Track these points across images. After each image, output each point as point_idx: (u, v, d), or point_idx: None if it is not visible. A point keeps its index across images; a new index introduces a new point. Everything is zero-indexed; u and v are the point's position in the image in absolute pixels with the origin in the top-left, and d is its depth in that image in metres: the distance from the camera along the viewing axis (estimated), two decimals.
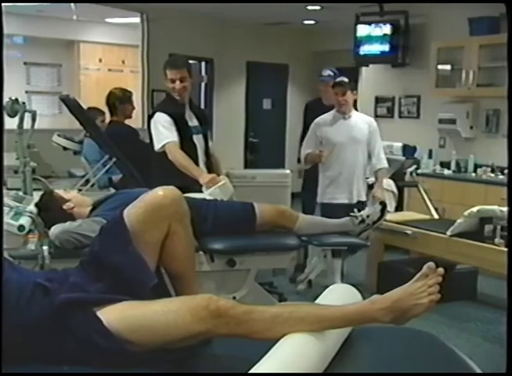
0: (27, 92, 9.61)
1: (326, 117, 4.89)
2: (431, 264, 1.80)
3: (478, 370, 1.92)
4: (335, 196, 4.75)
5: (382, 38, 7.15)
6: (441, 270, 1.80)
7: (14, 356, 1.68)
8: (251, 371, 1.57)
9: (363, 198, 4.81)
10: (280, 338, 1.73)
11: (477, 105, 6.54)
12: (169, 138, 3.83)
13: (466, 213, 4.25)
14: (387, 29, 7.11)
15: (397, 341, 2.04)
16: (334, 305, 1.96)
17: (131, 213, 2.00)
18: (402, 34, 7.09)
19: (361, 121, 4.87)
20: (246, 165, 9.34)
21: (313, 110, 5.55)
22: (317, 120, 4.90)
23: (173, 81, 3.94)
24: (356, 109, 5.16)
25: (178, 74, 3.96)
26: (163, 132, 3.86)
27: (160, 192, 2.06)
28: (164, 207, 2.03)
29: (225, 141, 9.09)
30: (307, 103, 5.71)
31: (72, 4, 7.80)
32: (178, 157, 3.77)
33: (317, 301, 2.09)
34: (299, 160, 5.34)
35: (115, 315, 1.73)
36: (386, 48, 7.16)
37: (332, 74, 5.42)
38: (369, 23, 7.24)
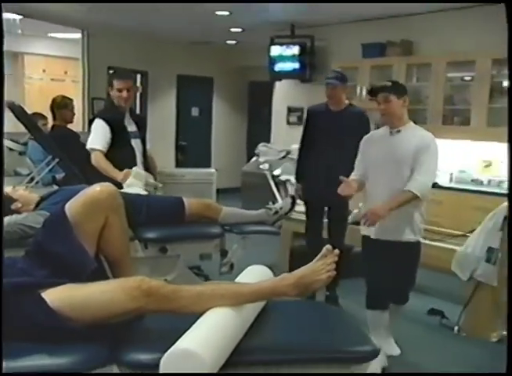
0: None
1: (375, 133, 3.49)
2: (329, 246, 1.88)
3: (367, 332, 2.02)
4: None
5: (292, 58, 7.25)
6: (336, 251, 1.88)
7: None
8: (180, 341, 1.59)
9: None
10: (204, 312, 1.75)
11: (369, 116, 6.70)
12: (96, 145, 3.75)
13: (360, 205, 4.38)
14: (296, 50, 7.21)
15: (302, 310, 2.13)
16: (250, 282, 2.01)
17: (72, 206, 1.98)
18: (308, 55, 7.19)
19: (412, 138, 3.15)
20: (178, 165, 9.25)
21: (318, 116, 4.32)
22: (367, 136, 3.47)
23: (120, 91, 3.86)
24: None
25: (125, 85, 3.88)
26: (93, 138, 3.79)
27: (97, 188, 2.05)
28: (100, 200, 2.02)
29: (158, 144, 8.99)
30: (309, 108, 4.46)
31: (17, 19, 7.54)
32: (100, 163, 3.70)
33: (236, 279, 2.13)
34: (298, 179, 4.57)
35: (57, 295, 1.73)
36: (296, 66, 7.25)
37: (340, 75, 4.23)
38: (281, 45, 7.31)
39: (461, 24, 5.88)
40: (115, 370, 1.72)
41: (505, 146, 5.30)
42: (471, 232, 3.70)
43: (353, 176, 3.40)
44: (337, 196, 3.33)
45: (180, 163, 9.33)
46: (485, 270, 3.65)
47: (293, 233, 5.27)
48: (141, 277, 1.79)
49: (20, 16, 7.40)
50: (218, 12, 6.64)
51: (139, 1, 4.65)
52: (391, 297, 3.27)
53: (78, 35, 8.15)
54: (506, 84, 5.48)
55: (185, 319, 1.72)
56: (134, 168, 3.67)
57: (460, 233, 3.98)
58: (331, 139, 4.11)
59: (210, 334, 1.65)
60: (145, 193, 3.45)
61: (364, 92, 6.28)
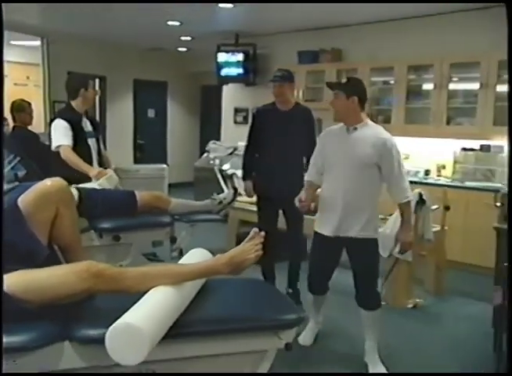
0: None
1: (334, 128, 3.09)
2: (256, 229, 1.94)
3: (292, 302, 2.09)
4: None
5: (237, 64, 7.25)
6: (262, 233, 1.94)
7: None
8: (123, 317, 1.61)
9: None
10: (148, 291, 1.78)
11: None
12: (63, 141, 3.68)
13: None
14: (240, 56, 7.21)
15: (238, 286, 2.17)
16: (191, 263, 2.05)
17: (25, 199, 1.97)
18: (251, 61, 7.20)
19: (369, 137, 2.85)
20: (136, 162, 9.13)
21: (266, 115, 3.85)
22: (324, 131, 3.18)
23: (93, 94, 3.90)
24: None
25: (91, 87, 3.90)
26: (58, 136, 3.71)
27: (48, 182, 2.04)
28: (51, 193, 2.01)
29: (117, 143, 8.92)
30: (257, 108, 3.97)
31: None
32: (70, 157, 3.63)
33: (180, 261, 2.17)
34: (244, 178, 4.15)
35: (12, 280, 1.70)
36: (240, 71, 7.25)
37: (286, 74, 3.76)
38: (227, 52, 7.30)
39: (382, 35, 6.04)
40: (67, 345, 1.72)
41: (422, 140, 5.58)
42: (390, 215, 3.82)
43: (308, 177, 3.14)
44: (290, 193, 3.21)
45: (138, 160, 9.21)
46: None
47: (240, 220, 5.33)
48: (89, 261, 1.80)
49: None
50: (170, 22, 6.59)
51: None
52: (358, 301, 2.99)
53: (38, 42, 7.92)
54: (425, 87, 5.68)
55: (131, 299, 1.73)
56: (109, 170, 3.68)
57: (381, 216, 4.11)
58: (280, 138, 3.70)
59: (150, 309, 1.67)
60: (99, 187, 3.43)
61: (301, 95, 6.37)
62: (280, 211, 3.98)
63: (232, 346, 1.88)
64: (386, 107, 5.87)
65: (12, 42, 8.97)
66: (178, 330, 1.75)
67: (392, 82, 5.89)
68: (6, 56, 8.51)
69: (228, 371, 1.93)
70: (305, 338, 3.28)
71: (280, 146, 3.71)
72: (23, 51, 9.07)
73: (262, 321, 1.91)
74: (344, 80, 2.96)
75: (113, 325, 1.56)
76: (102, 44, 8.24)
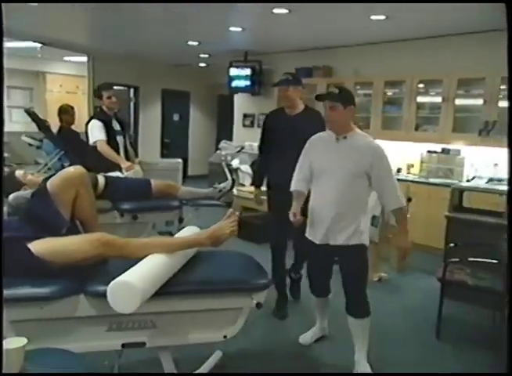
0: (8, 106, 9.05)
1: (322, 135, 2.60)
2: (231, 210, 2.02)
3: (266, 271, 2.15)
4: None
5: (245, 77, 7.28)
6: (237, 213, 2.02)
7: None
8: (121, 275, 1.70)
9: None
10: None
11: None
12: (99, 136, 3.78)
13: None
14: (248, 71, 7.24)
15: (222, 257, 2.23)
16: (181, 236, 2.14)
17: (52, 183, 2.05)
18: (257, 75, 7.22)
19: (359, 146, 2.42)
20: (162, 157, 9.19)
21: (274, 120, 3.32)
22: (312, 137, 2.64)
23: (109, 98, 3.92)
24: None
25: (111, 93, 3.95)
26: (95, 133, 3.81)
27: (71, 169, 2.11)
28: (72, 178, 2.08)
29: (147, 141, 9.05)
30: (267, 114, 3.48)
31: (38, 46, 7.44)
32: (105, 149, 3.73)
33: (176, 235, 2.25)
34: (258, 185, 3.57)
35: (40, 245, 1.79)
36: (247, 83, 7.28)
37: (291, 77, 3.22)
38: (238, 67, 7.33)
39: (365, 56, 6.05)
40: (82, 298, 1.81)
41: (395, 143, 5.60)
42: None
43: (295, 186, 2.65)
44: None
45: (164, 155, 9.28)
46: (371, 231, 3.81)
47: (242, 207, 5.41)
48: (101, 233, 1.89)
49: (40, 45, 7.31)
50: (190, 42, 6.65)
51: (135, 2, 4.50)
52: (347, 309, 2.53)
53: (85, 59, 8.08)
54: (398, 99, 5.68)
55: (133, 263, 1.81)
56: (136, 165, 3.78)
57: None
58: (289, 143, 3.11)
59: (144, 271, 1.76)
60: (123, 176, 3.53)
61: None
62: None
63: (214, 303, 1.96)
64: (366, 115, 5.89)
65: (65, 58, 9.16)
66: (170, 288, 1.84)
67: (371, 94, 5.90)
68: (61, 70, 8.60)
69: (211, 324, 2.00)
70: (305, 337, 2.88)
71: (287, 150, 3.09)
72: (74, 66, 9.25)
73: (238, 284, 1.98)
74: (335, 90, 2.42)
75: (113, 281, 1.65)
76: (135, 60, 8.32)
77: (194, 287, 1.92)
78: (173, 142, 9.65)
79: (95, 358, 1.95)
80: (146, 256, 1.87)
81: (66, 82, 9.82)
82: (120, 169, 3.67)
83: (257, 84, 7.27)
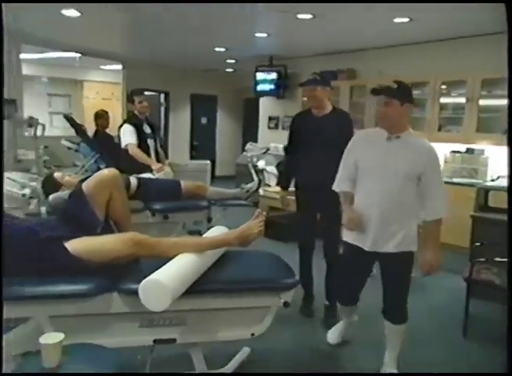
0: (49, 112, 9.26)
1: (369, 133, 2.37)
2: (259, 210, 1.97)
3: (293, 270, 2.10)
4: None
5: (271, 81, 7.22)
6: (264, 213, 1.97)
7: (15, 273, 1.71)
8: (153, 274, 1.68)
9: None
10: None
11: None
12: (131, 140, 3.80)
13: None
14: (274, 75, 7.18)
15: (250, 256, 2.19)
16: (210, 236, 2.10)
17: (87, 185, 2.04)
18: (282, 79, 7.15)
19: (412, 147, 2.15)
20: (191, 158, 9.24)
21: (302, 122, 3.12)
22: (359, 135, 2.39)
23: (141, 102, 3.94)
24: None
25: (143, 98, 3.97)
26: (127, 136, 3.83)
27: (105, 171, 2.10)
28: (106, 180, 2.07)
29: (177, 144, 9.10)
30: (294, 115, 3.25)
31: (77, 56, 7.59)
32: (136, 152, 3.75)
33: (204, 235, 2.22)
34: (285, 187, 3.32)
35: (77, 244, 1.79)
36: (272, 87, 7.23)
37: (319, 78, 2.99)
38: (263, 71, 7.28)
39: (388, 58, 5.91)
40: (115, 295, 1.80)
41: None
42: None
43: (341, 187, 2.33)
44: (324, 198, 2.65)
45: (193, 157, 9.33)
46: None
47: (269, 206, 5.36)
48: (134, 233, 1.87)
49: (80, 54, 7.45)
50: (217, 49, 6.65)
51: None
52: (385, 314, 2.35)
53: (120, 67, 8.20)
54: (422, 100, 5.51)
55: (164, 262, 1.79)
56: (167, 167, 3.78)
57: None
58: (316, 144, 2.92)
59: (174, 270, 1.73)
60: (154, 177, 3.53)
61: None
62: None
63: (242, 302, 1.93)
64: None
65: (101, 67, 9.31)
66: (200, 287, 1.81)
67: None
68: (97, 78, 8.80)
69: (239, 322, 1.96)
70: (333, 335, 2.73)
71: (314, 151, 2.94)
72: (109, 73, 9.41)
73: (266, 283, 1.94)
74: (393, 85, 2.10)
75: (144, 280, 1.63)
76: (166, 66, 8.39)
77: (223, 286, 1.89)
78: (201, 145, 9.69)
79: (129, 353, 1.94)
80: (176, 255, 1.85)
81: (101, 89, 9.99)
82: (151, 170, 3.67)
83: (282, 87, 7.21)
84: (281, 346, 2.67)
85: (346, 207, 2.33)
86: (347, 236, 2.35)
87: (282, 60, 7.15)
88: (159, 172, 3.62)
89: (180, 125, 9.37)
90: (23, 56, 6.42)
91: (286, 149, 3.36)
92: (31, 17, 5.11)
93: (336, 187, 2.38)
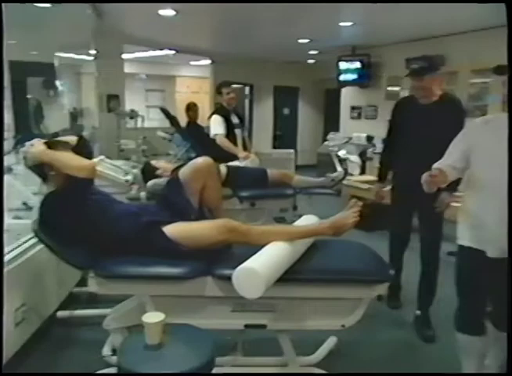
0: (146, 106, 9.75)
1: (495, 120, 1.87)
2: (355, 200, 1.83)
3: (384, 261, 1.94)
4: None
5: (354, 70, 6.91)
6: (360, 203, 1.82)
7: (116, 252, 1.77)
8: (247, 261, 1.62)
9: None
10: (268, 244, 1.78)
11: None
12: (219, 131, 3.82)
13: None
14: (357, 64, 6.85)
15: (341, 246, 2.06)
16: (302, 225, 2.01)
17: (183, 172, 2.03)
18: (366, 68, 6.80)
19: None
20: (274, 148, 9.19)
21: (405, 109, 2.71)
22: (479, 122, 1.87)
23: (228, 93, 3.95)
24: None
25: (230, 89, 3.98)
26: (215, 127, 3.86)
27: (200, 160, 2.08)
28: (201, 169, 2.05)
29: (261, 134, 9.10)
30: (397, 101, 2.89)
31: (171, 53, 7.84)
32: (224, 142, 3.77)
33: (294, 224, 2.11)
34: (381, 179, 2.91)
35: (173, 229, 1.80)
36: (355, 76, 6.92)
37: (426, 63, 2.51)
38: (346, 61, 6.98)
39: (480, 43, 5.33)
40: (209, 279, 1.78)
41: None
42: None
43: (442, 165, 1.86)
44: (426, 195, 1.97)
45: (276, 146, 9.28)
46: None
47: (351, 195, 5.14)
48: (227, 219, 1.83)
49: (174, 52, 7.70)
50: (300, 40, 6.48)
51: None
52: (494, 319, 1.88)
53: (208, 62, 8.34)
54: None
55: (256, 249, 1.74)
56: (252, 154, 3.78)
57: None
58: (420, 135, 2.51)
59: (267, 258, 1.67)
60: (242, 165, 3.52)
61: (406, 94, 5.87)
62: None
63: (334, 292, 1.81)
64: (482, 104, 5.20)
65: (192, 63, 9.57)
66: (291, 275, 1.73)
67: (489, 82, 5.18)
68: (187, 73, 9.08)
69: (330, 313, 1.85)
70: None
71: (418, 143, 2.52)
72: (198, 69, 9.65)
73: (360, 275, 1.81)
74: None
75: (239, 268, 1.59)
76: (250, 60, 8.37)
77: (315, 276, 1.78)
78: (283, 135, 9.61)
79: (219, 333, 1.92)
80: (267, 243, 1.78)
81: (191, 83, 10.31)
82: (238, 159, 3.67)
83: (366, 77, 6.85)
84: (368, 339, 2.52)
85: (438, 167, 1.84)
86: (463, 237, 1.85)
87: (365, 49, 6.79)
88: (245, 160, 3.61)
89: (263, 116, 9.35)
90: (124, 55, 6.77)
91: (385, 139, 3.01)
92: (132, 19, 5.35)
93: (442, 164, 1.87)
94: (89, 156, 2.07)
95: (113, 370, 1.88)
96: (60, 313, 2.51)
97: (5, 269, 2.06)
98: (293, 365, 2.00)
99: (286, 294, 1.79)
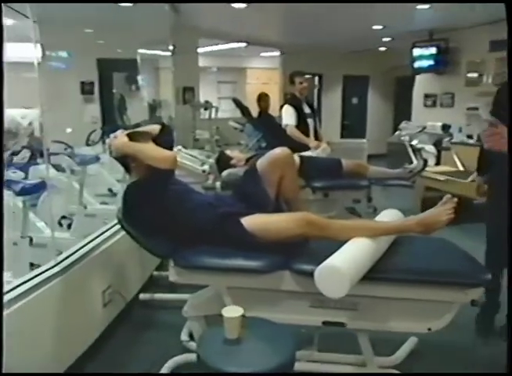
0: (218, 98, 9.82)
1: None
2: (449, 196, 1.60)
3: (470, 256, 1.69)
4: None
5: (429, 56, 6.35)
6: (455, 199, 1.59)
7: (193, 242, 1.72)
8: (330, 259, 1.48)
9: None
10: (349, 240, 1.62)
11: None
12: (289, 121, 3.70)
13: None
14: (433, 50, 6.28)
15: (428, 243, 1.86)
16: (385, 220, 1.82)
17: (260, 163, 1.92)
18: (443, 54, 6.22)
19: None
20: (342, 137, 8.90)
21: None
22: None
23: (301, 83, 3.81)
24: None
25: (303, 79, 3.83)
26: (286, 117, 3.74)
27: (277, 150, 1.95)
28: (279, 159, 1.92)
29: (329, 123, 8.78)
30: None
31: (243, 46, 7.77)
32: (294, 132, 3.65)
33: (376, 218, 1.93)
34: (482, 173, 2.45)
35: (251, 221, 1.70)
36: (431, 62, 6.36)
37: None
38: (421, 47, 6.44)
39: None
40: (287, 274, 1.67)
41: None
42: None
43: None
44: None
45: (344, 136, 8.97)
46: None
47: (425, 187, 4.78)
48: (306, 212, 1.71)
49: (245, 44, 7.63)
50: (374, 27, 6.08)
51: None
52: None
53: (277, 53, 8.20)
54: None
55: (335, 244, 1.59)
56: (323, 143, 3.63)
57: None
58: None
59: (351, 256, 1.51)
60: (314, 155, 3.36)
61: (490, 80, 5.33)
62: None
63: (421, 294, 1.61)
64: None
65: (262, 54, 9.47)
66: (375, 274, 1.56)
67: None
68: (258, 65, 9.02)
69: (415, 315, 1.66)
70: None
71: None
72: (268, 60, 9.53)
73: (452, 276, 1.59)
74: None
75: (322, 265, 1.45)
76: (320, 50, 8.06)
77: (402, 276, 1.59)
78: (352, 124, 9.23)
79: (293, 325, 1.80)
80: (348, 239, 1.62)
81: (261, 75, 10.20)
82: (309, 149, 3.52)
83: (442, 63, 6.27)
84: (451, 342, 2.26)
85: None
86: None
87: (442, 33, 6.20)
88: (316, 149, 3.46)
89: (332, 106, 9.04)
90: (199, 49, 6.81)
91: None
92: (207, 13, 5.33)
93: None
94: (171, 144, 2.03)
95: (191, 357, 1.85)
96: (142, 296, 2.54)
97: (95, 252, 2.11)
98: (371, 365, 1.83)
99: (368, 292, 1.63)
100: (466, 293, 1.57)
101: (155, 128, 1.92)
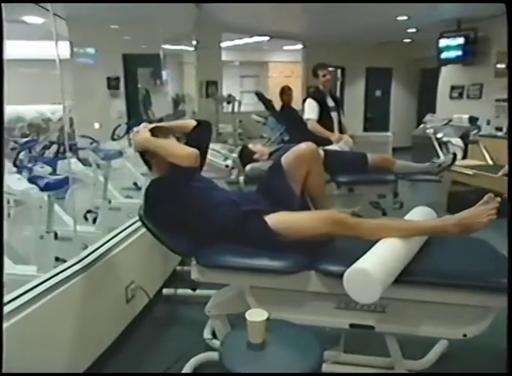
0: (240, 91, 9.71)
1: None
2: (491, 194, 1.44)
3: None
4: None
5: (457, 47, 6.03)
6: (498, 199, 1.43)
7: (215, 240, 1.63)
8: (360, 261, 1.37)
9: None
10: (378, 240, 1.50)
11: None
12: (311, 115, 3.57)
13: None
14: (461, 40, 5.96)
15: (461, 243, 1.70)
16: (417, 220, 1.68)
17: (286, 159, 1.81)
18: (471, 44, 5.90)
19: None
20: (365, 130, 8.63)
21: None
22: None
23: (324, 76, 3.67)
24: None
25: (326, 71, 3.69)
26: (308, 111, 3.61)
27: (303, 145, 1.83)
28: (305, 155, 1.81)
29: (351, 116, 8.46)
30: None
31: (265, 39, 7.61)
32: (315, 126, 3.52)
33: (405, 217, 1.77)
34: None
35: (275, 219, 1.60)
36: (459, 53, 6.03)
37: None
38: (448, 37, 6.12)
39: None
40: (312, 274, 1.56)
41: None
42: None
43: None
44: None
45: (367, 129, 8.71)
46: None
47: (452, 181, 4.55)
48: (332, 210, 1.60)
49: (268, 38, 7.47)
50: (399, 18, 5.81)
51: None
52: None
53: (299, 46, 8.01)
54: None
55: (364, 244, 1.47)
56: (346, 136, 3.49)
57: None
58: None
59: (382, 258, 1.38)
60: (339, 149, 3.21)
61: None
62: None
63: (456, 298, 1.47)
64: None
65: (284, 48, 9.28)
66: (406, 276, 1.43)
67: None
68: (280, 58, 8.83)
69: (449, 320, 1.52)
70: None
71: None
72: (290, 53, 9.34)
73: (490, 281, 1.45)
74: None
75: (351, 268, 1.33)
76: (342, 43, 7.79)
77: (435, 279, 1.46)
78: (374, 117, 8.94)
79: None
80: (379, 239, 1.49)
81: (283, 68, 10.04)
82: (331, 143, 3.39)
83: (471, 53, 5.95)
84: (485, 345, 2.11)
85: None
86: None
87: (471, 23, 5.87)
88: (338, 142, 3.32)
89: (354, 99, 8.76)
90: (222, 44, 6.70)
91: None
92: (230, 8, 5.19)
93: None
94: (207, 143, 1.92)
95: (213, 355, 1.77)
96: (166, 291, 2.49)
97: (118, 248, 2.05)
98: (399, 368, 1.71)
99: (398, 295, 1.50)
100: (505, 298, 1.42)
101: (188, 124, 1.83)
